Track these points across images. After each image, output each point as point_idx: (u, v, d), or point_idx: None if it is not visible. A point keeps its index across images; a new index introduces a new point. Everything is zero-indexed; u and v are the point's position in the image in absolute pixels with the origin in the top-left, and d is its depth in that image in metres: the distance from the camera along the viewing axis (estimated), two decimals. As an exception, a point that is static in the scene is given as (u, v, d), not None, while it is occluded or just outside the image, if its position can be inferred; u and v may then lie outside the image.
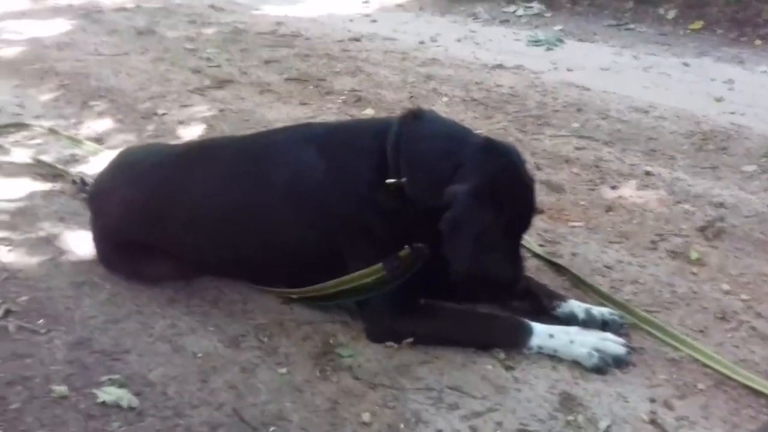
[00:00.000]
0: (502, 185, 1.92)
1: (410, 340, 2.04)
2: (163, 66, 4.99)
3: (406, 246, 2.00)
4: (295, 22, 6.32)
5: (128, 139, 3.64)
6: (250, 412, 1.82)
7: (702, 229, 2.62)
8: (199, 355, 2.04)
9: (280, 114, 3.97)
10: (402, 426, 1.77)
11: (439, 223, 1.87)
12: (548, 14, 6.42)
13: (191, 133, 3.70)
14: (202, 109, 4.06)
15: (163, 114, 3.99)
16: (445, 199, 1.88)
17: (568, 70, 4.83)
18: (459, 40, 5.72)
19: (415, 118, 2.09)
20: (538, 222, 2.35)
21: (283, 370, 1.97)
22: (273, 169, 2.15)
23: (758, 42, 5.46)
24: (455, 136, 2.06)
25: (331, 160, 2.10)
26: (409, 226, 2.02)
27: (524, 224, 2.03)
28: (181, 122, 3.85)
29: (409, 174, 1.97)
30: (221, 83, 4.55)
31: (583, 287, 2.29)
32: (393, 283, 2.00)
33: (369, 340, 2.08)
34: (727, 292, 2.27)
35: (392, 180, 1.98)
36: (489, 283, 2.04)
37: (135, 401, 1.86)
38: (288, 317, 2.19)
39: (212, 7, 7.08)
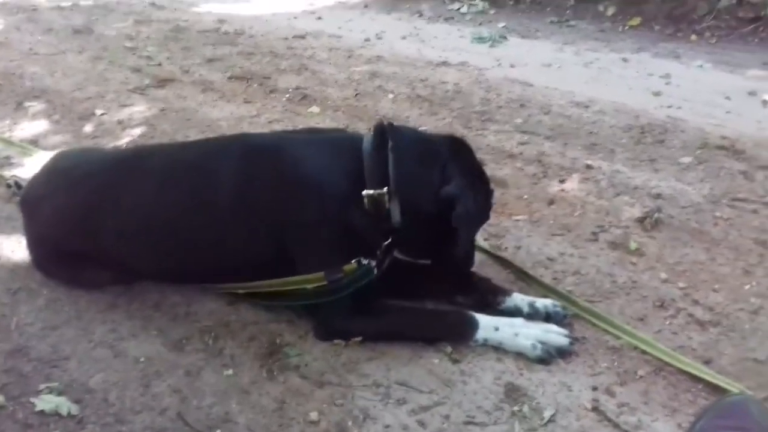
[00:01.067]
0: (480, 177, 2.10)
1: (358, 338, 2.04)
2: (102, 65, 4.86)
3: (354, 260, 1.99)
4: (239, 19, 6.24)
5: (65, 141, 3.54)
6: (194, 416, 1.79)
7: (640, 220, 2.69)
8: (141, 359, 1.99)
9: (224, 113, 3.91)
10: (350, 423, 1.77)
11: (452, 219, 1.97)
12: (492, 11, 6.50)
13: (131, 133, 3.61)
14: (143, 108, 3.97)
15: (102, 114, 3.88)
16: (443, 198, 1.97)
17: (512, 66, 4.89)
18: (404, 38, 5.74)
19: (389, 129, 2.08)
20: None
21: (229, 372, 1.94)
22: (215, 180, 2.10)
23: (694, 37, 5.63)
24: (426, 140, 2.16)
25: (287, 170, 2.07)
26: (376, 238, 2.03)
27: (488, 213, 2.15)
28: (120, 122, 3.75)
29: (399, 183, 1.97)
30: (162, 82, 4.46)
31: (527, 279, 2.32)
32: (332, 295, 1.99)
33: (316, 338, 2.07)
34: (665, 281, 2.33)
35: (371, 192, 1.96)
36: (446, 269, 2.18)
37: (75, 409, 1.81)
38: (233, 318, 2.16)
39: (153, 4, 6.94)
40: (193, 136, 3.55)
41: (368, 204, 1.97)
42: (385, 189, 1.96)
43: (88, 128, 3.71)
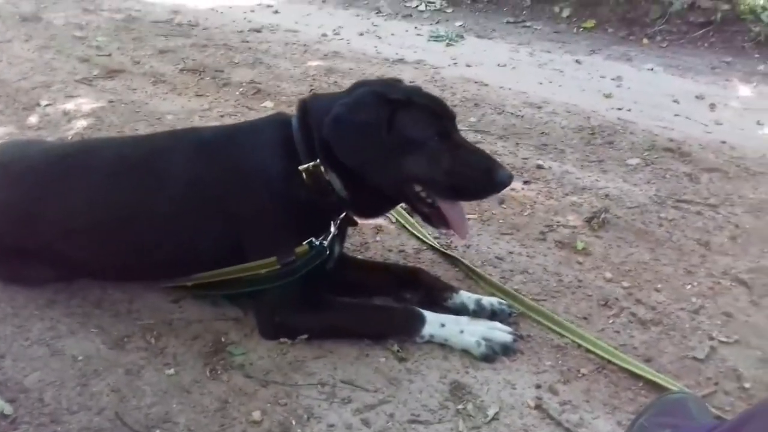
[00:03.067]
0: (383, 93, 1.94)
1: (305, 336, 2.02)
2: (49, 54, 4.73)
3: (306, 242, 1.97)
4: (193, 11, 6.14)
5: (9, 132, 3.43)
6: (133, 416, 1.75)
7: (588, 220, 2.73)
8: (80, 358, 1.94)
9: (174, 106, 3.84)
10: (293, 422, 1.75)
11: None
12: (449, 10, 6.52)
13: (77, 125, 3.52)
14: (90, 100, 3.87)
15: (47, 105, 3.78)
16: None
17: (467, 65, 4.92)
18: (361, 34, 5.72)
19: (311, 100, 2.08)
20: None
21: (171, 371, 1.90)
22: (164, 176, 2.07)
23: (645, 41, 5.75)
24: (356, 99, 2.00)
25: (231, 161, 2.05)
26: (327, 212, 2.01)
27: (442, 123, 1.96)
28: (66, 114, 3.65)
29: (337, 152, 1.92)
30: (111, 73, 4.36)
31: (475, 278, 2.33)
32: (286, 278, 1.97)
33: (262, 337, 2.04)
34: (609, 280, 2.37)
35: (305, 166, 1.95)
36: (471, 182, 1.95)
37: (8, 408, 1.76)
38: (177, 316, 2.12)
39: (104, -7, 6.77)
40: (142, 129, 3.48)
41: (307, 179, 1.96)
42: (318, 160, 1.94)
43: (32, 119, 3.60)
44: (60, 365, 1.91)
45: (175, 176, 2.06)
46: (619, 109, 4.10)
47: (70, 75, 4.30)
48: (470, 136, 3.52)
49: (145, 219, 2.07)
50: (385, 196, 2.03)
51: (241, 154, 2.07)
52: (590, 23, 6.04)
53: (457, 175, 1.92)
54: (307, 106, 2.05)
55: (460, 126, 3.61)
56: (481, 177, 1.92)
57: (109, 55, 4.76)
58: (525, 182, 3.06)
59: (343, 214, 2.05)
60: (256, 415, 1.76)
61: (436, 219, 2.02)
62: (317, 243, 1.98)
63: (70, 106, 3.76)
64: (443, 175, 1.92)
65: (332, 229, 2.02)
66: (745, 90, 4.60)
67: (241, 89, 4.14)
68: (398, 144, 1.90)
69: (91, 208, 2.08)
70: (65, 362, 1.92)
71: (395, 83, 2.12)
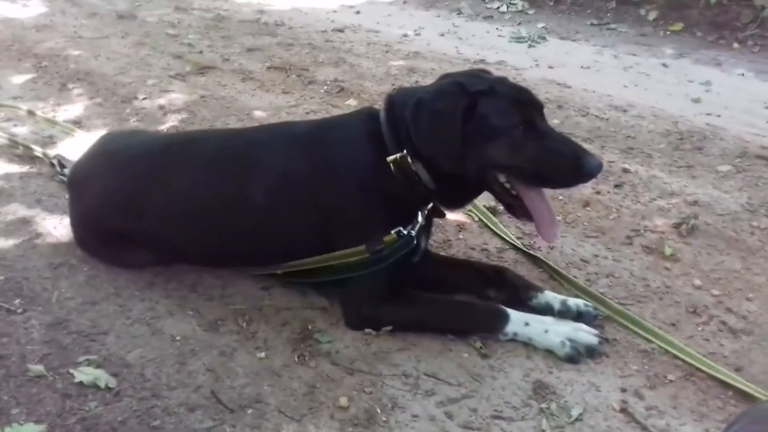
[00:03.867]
0: (465, 83, 1.97)
1: (389, 327, 2.06)
2: (144, 51, 4.94)
3: (394, 231, 2.02)
4: (278, 11, 6.28)
5: (107, 123, 3.61)
6: (227, 395, 1.83)
7: (676, 226, 2.67)
8: (178, 338, 2.04)
9: (262, 102, 3.96)
10: (378, 410, 1.80)
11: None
12: (531, 11, 6.45)
13: (172, 118, 3.68)
14: (183, 94, 4.03)
15: (143, 99, 3.96)
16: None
17: (550, 67, 4.87)
18: (442, 35, 5.73)
19: (397, 93, 2.14)
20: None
21: (262, 355, 1.98)
22: (260, 168, 2.16)
23: (736, 45, 5.54)
24: (437, 88, 2.06)
25: (324, 154, 2.13)
26: (415, 203, 2.06)
27: (527, 112, 1.96)
28: (161, 107, 3.82)
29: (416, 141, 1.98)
30: (203, 69, 4.52)
31: (559, 279, 2.32)
32: (374, 266, 2.02)
33: (347, 327, 2.10)
34: (698, 288, 2.32)
35: (392, 157, 2.00)
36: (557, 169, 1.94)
37: (112, 382, 1.87)
38: (267, 303, 2.21)
39: (194, -8, 7.02)
40: (233, 123, 3.61)
41: (395, 170, 2.00)
42: (405, 151, 1.99)
43: (129, 112, 3.78)
44: (160, 344, 2.02)
45: (270, 168, 2.14)
46: (708, 114, 3.98)
47: (164, 71, 4.49)
48: (553, 138, 3.50)
49: (241, 208, 2.16)
50: (469, 185, 2.06)
51: (331, 146, 2.14)
52: (677, 26, 5.86)
53: (543, 162, 1.92)
54: (393, 99, 2.10)
55: (543, 128, 3.62)
56: (569, 165, 1.92)
57: (200, 52, 4.95)
58: (616, 186, 3.02)
59: (430, 205, 2.08)
60: (343, 401, 1.82)
61: (519, 211, 2.03)
62: (405, 232, 2.02)
63: (164, 100, 3.93)
64: (527, 162, 1.92)
65: (419, 219, 2.05)
66: (843, 98, 4.38)
67: (325, 87, 4.23)
68: (480, 132, 1.93)
69: (191, 197, 2.18)
70: (164, 341, 2.03)
71: (480, 74, 2.14)
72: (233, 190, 2.17)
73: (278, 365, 1.95)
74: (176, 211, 2.19)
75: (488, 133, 1.93)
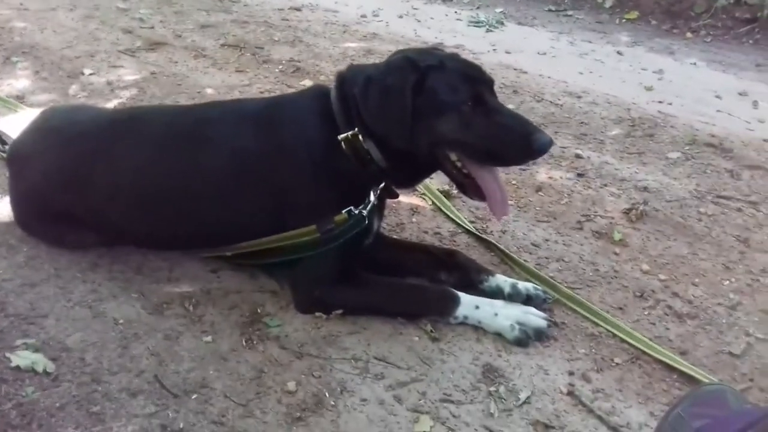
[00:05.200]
0: (414, 59, 1.95)
1: (340, 311, 2.04)
2: (93, 24, 4.79)
3: (345, 211, 1.99)
4: (234, -13, 6.15)
5: (52, 99, 3.49)
6: (171, 379, 1.79)
7: (626, 212, 2.70)
8: (121, 321, 1.98)
9: (215, 80, 3.87)
10: (327, 395, 1.77)
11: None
12: (490, -4, 6.46)
13: (120, 95, 3.57)
14: (133, 71, 3.91)
15: (91, 74, 3.83)
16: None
17: (507, 52, 4.88)
18: (401, 17, 5.69)
19: (348, 70, 2.10)
20: (469, 200, 2.36)
21: (208, 339, 1.94)
22: (210, 146, 2.09)
23: (689, 35, 5.64)
24: (387, 64, 2.04)
25: (274, 132, 2.08)
26: (366, 182, 2.03)
27: (476, 87, 1.93)
28: (109, 84, 3.70)
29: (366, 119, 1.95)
30: (154, 45, 4.40)
31: (510, 263, 2.33)
32: (326, 246, 1.99)
33: (297, 310, 2.07)
34: (646, 272, 2.35)
35: (343, 135, 1.97)
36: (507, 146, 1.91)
37: (51, 366, 1.80)
38: (215, 286, 2.16)
39: (148, -34, 6.81)
40: (183, 101, 3.52)
41: (346, 148, 1.98)
42: (356, 129, 1.96)
43: (76, 87, 3.65)
44: (101, 327, 1.95)
45: (219, 146, 2.08)
46: (660, 102, 4.03)
47: (113, 45, 4.35)
48: (508, 123, 3.50)
49: (189, 188, 2.10)
50: (421, 164, 2.04)
51: (281, 125, 2.09)
52: (633, 14, 5.94)
53: (492, 138, 1.90)
54: (344, 77, 2.06)
55: (498, 112, 3.62)
56: (518, 141, 1.89)
57: (152, 27, 4.81)
58: (568, 171, 3.04)
59: (382, 184, 2.06)
60: (291, 385, 1.79)
61: (471, 189, 2.02)
62: (356, 212, 1.99)
63: (113, 76, 3.81)
64: (476, 139, 1.90)
65: (371, 198, 2.03)
66: (790, 88, 4.50)
67: (280, 67, 4.15)
68: (429, 107, 1.90)
69: (138, 175, 2.11)
70: (106, 324, 1.96)
71: (432, 50, 2.12)
72: (182, 169, 2.11)
73: (225, 349, 1.91)
74: (123, 189, 2.12)
75: (437, 109, 1.90)
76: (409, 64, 1.94)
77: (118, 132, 2.19)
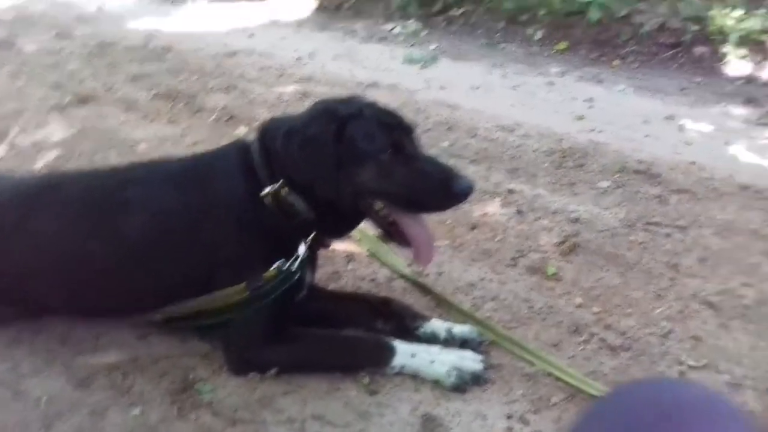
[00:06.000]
0: (333, 108, 1.97)
1: (274, 370, 2.00)
2: (20, 81, 4.69)
3: (273, 267, 1.96)
4: (168, 35, 6.12)
5: (-24, 163, 3.38)
6: (97, 459, 1.72)
7: (558, 245, 2.74)
8: (44, 399, 1.90)
9: (146, 133, 3.82)
10: (261, 461, 1.73)
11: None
12: (424, 33, 6.56)
13: (47, 156, 3.48)
14: (61, 128, 3.83)
15: (17, 134, 3.73)
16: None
17: (441, 88, 4.95)
18: (336, 58, 5.73)
19: (269, 123, 2.09)
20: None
21: (137, 411, 1.88)
22: (131, 209, 2.05)
23: (616, 62, 5.82)
24: (307, 115, 2.03)
25: (196, 191, 2.05)
26: (294, 235, 2.01)
27: (395, 135, 1.95)
28: (35, 145, 3.61)
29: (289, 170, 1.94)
30: (84, 100, 4.32)
31: (446, 306, 2.33)
32: (257, 303, 1.95)
33: (231, 372, 2.02)
34: (579, 306, 2.38)
35: (267, 189, 1.94)
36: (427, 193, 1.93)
37: (-33, 455, 1.71)
38: (144, 352, 2.10)
39: (78, 18, 6.73)
40: (113, 158, 3.45)
41: (271, 203, 1.95)
42: (280, 182, 1.94)
43: (2, 149, 3.55)
44: (22, 407, 1.88)
45: (140, 209, 2.04)
46: (591, 130, 4.13)
47: (41, 102, 4.26)
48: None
49: (113, 253, 2.04)
50: (347, 213, 2.03)
51: (204, 183, 2.06)
52: (563, 45, 6.11)
53: (412, 186, 1.91)
54: (265, 129, 2.05)
55: (432, 150, 3.66)
56: (439, 188, 1.91)
57: (82, 81, 4.73)
58: (502, 207, 3.07)
59: (312, 235, 2.04)
60: (224, 454, 1.74)
61: (396, 237, 2.02)
62: (286, 267, 1.97)
63: (39, 135, 3.72)
64: (397, 187, 1.91)
65: (301, 251, 2.01)
66: (714, 110, 4.67)
67: (214, 115, 4.12)
68: (349, 156, 1.91)
69: (58, 245, 2.05)
70: (28, 404, 1.89)
71: (352, 99, 2.13)
72: (104, 235, 2.05)
73: (155, 421, 1.84)
74: (42, 261, 2.05)
75: (357, 158, 1.91)
76: (329, 113, 1.95)
77: (36, 201, 2.12)
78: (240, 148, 2.11)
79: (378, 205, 1.97)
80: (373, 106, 2.05)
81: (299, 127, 1.95)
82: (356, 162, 1.91)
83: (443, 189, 1.90)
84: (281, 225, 2.00)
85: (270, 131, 2.03)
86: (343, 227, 2.15)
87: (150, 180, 2.12)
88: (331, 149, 1.89)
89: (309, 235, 2.04)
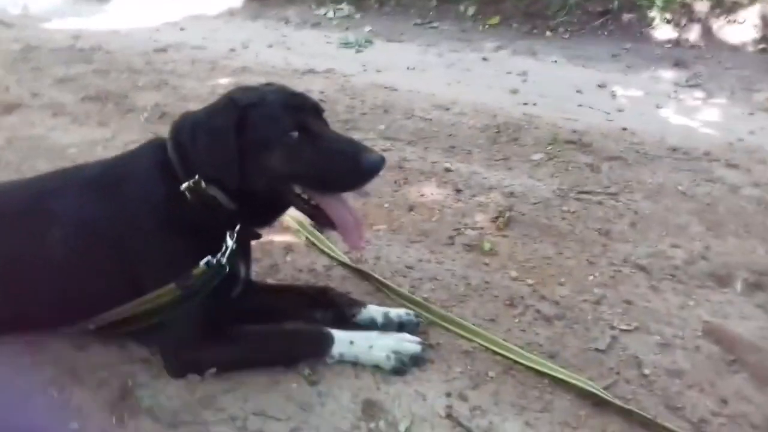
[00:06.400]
0: (235, 98, 1.95)
1: (213, 370, 1.99)
2: (-60, 93, 4.51)
3: (202, 263, 1.94)
4: (95, 35, 5.97)
5: None
6: (34, 477, 1.69)
7: (494, 220, 2.79)
8: (-24, 420, 1.86)
9: (76, 137, 3.72)
10: (204, 462, 1.73)
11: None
12: (358, 15, 6.55)
13: (-29, 168, 3.37)
14: (-15, 139, 3.71)
15: (-62, 148, 3.60)
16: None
17: (377, 71, 4.95)
18: (270, 46, 5.68)
19: (182, 118, 2.05)
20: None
21: (75, 426, 1.84)
22: (52, 219, 2.00)
23: (548, 34, 5.91)
24: (210, 107, 2.02)
25: (116, 194, 2.01)
26: (219, 228, 1.98)
27: (299, 117, 1.93)
28: (-42, 157, 3.49)
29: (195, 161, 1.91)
30: (9, 108, 4.18)
31: (385, 290, 2.35)
32: (189, 302, 1.93)
33: (169, 376, 2.00)
34: (515, 279, 2.42)
35: (185, 185, 1.92)
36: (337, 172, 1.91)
37: None
38: (81, 363, 2.05)
39: (0, 22, 6.50)
40: (42, 165, 3.35)
41: (191, 198, 1.93)
42: (197, 176, 1.92)
43: None
44: (-46, 431, 1.83)
45: (62, 218, 2.00)
46: (525, 104, 4.20)
47: (-37, 114, 4.12)
48: (380, 144, 3.56)
49: (38, 266, 2.00)
50: (268, 201, 2.01)
51: (122, 185, 2.02)
52: (495, 20, 6.16)
53: (321, 166, 1.89)
54: (177, 126, 2.03)
55: (369, 134, 3.68)
56: (348, 165, 1.88)
57: (6, 88, 4.58)
58: (438, 186, 3.09)
59: (237, 227, 2.03)
60: (166, 459, 1.73)
61: (321, 220, 2.00)
62: (215, 261, 1.96)
63: (-37, 148, 3.60)
64: (307, 168, 1.90)
65: (229, 243, 1.99)
66: (644, 75, 4.79)
67: (145, 114, 4.05)
68: (255, 144, 1.89)
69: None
70: (-41, 427, 1.84)
71: (259, 87, 2.11)
72: (27, 248, 2.00)
73: (93, 433, 1.82)
74: None
75: (263, 144, 1.89)
76: (230, 103, 1.93)
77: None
78: (157, 146, 2.07)
79: (296, 189, 1.97)
80: (279, 92, 2.03)
81: (203, 119, 1.94)
82: (263, 148, 1.90)
83: (352, 165, 1.88)
84: (205, 220, 1.97)
85: (181, 126, 2.01)
86: (267, 216, 2.13)
87: (69, 187, 2.07)
88: (232, 140, 1.87)
89: (235, 227, 2.02)
